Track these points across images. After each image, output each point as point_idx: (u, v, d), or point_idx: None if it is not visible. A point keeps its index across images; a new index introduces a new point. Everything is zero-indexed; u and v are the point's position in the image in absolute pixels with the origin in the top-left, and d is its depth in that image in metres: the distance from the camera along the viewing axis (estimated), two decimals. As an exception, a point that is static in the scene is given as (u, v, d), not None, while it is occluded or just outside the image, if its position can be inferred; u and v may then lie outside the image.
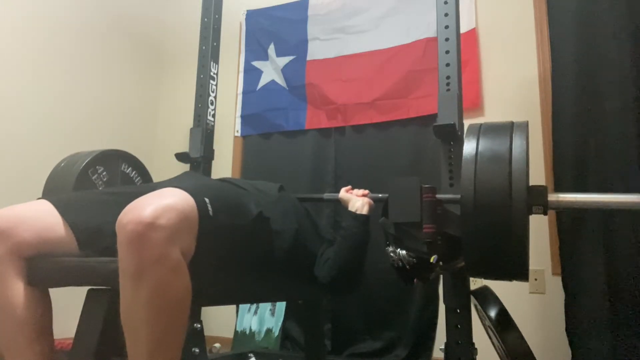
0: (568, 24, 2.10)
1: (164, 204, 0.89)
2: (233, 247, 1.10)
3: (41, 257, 1.04)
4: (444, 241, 1.29)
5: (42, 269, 1.02)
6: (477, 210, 1.06)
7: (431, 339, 2.21)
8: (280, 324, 2.48)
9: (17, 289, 1.02)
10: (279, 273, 1.35)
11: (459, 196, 1.13)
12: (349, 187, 1.66)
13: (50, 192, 1.54)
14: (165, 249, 0.86)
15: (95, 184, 1.60)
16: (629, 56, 1.94)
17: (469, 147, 1.13)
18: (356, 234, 1.43)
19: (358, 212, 1.48)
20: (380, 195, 1.55)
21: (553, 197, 1.14)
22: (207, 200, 1.00)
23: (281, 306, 2.53)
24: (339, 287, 1.43)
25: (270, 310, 2.55)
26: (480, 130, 1.17)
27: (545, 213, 1.14)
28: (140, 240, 0.84)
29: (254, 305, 2.59)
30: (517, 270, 1.10)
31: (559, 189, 2.00)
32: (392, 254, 1.35)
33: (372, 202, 1.53)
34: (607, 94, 1.97)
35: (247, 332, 2.55)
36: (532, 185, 1.10)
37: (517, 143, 1.09)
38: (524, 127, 1.14)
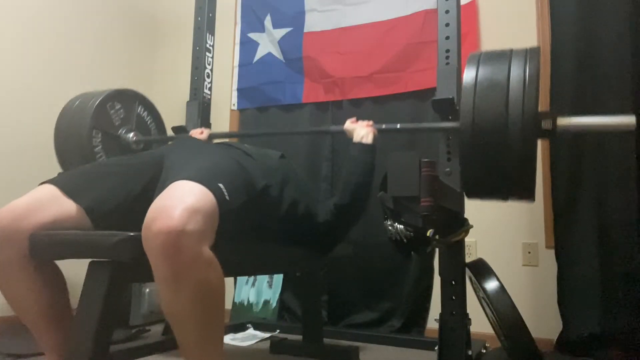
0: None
1: (189, 207, 0.90)
2: (244, 221, 1.12)
3: (43, 231, 1.04)
4: (441, 215, 1.31)
5: (44, 242, 1.02)
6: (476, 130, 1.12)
7: (426, 309, 2.25)
8: (277, 295, 2.52)
9: (33, 286, 1.04)
10: (280, 243, 1.37)
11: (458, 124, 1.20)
12: (354, 118, 1.68)
13: (65, 128, 1.59)
14: (198, 251, 0.89)
15: (113, 120, 1.59)
16: (629, 31, 1.92)
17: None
18: (363, 163, 1.48)
19: (364, 141, 1.51)
20: (384, 125, 1.60)
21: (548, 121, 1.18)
22: (221, 185, 1.01)
23: (278, 278, 2.56)
24: (347, 216, 1.47)
25: (268, 282, 2.58)
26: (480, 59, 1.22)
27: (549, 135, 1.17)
28: (174, 249, 0.85)
29: (252, 278, 2.62)
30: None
31: (555, 162, 2.02)
32: (390, 228, 1.38)
33: (376, 131, 1.56)
34: (606, 68, 1.96)
35: (245, 303, 2.59)
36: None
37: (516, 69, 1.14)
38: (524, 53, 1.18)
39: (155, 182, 1.17)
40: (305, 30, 2.71)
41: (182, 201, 0.90)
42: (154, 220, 0.87)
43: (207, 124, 2.14)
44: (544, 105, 2.13)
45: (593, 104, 1.96)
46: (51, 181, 1.12)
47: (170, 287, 0.88)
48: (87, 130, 1.55)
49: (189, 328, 0.92)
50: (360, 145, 1.51)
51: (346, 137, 1.61)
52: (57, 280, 1.10)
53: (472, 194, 1.30)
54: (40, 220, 1.03)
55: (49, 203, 1.06)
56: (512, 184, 1.15)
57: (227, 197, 1.00)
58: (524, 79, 1.11)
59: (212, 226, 0.95)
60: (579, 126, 1.22)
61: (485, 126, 1.11)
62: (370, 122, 1.62)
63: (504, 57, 1.19)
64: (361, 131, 1.55)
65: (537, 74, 1.12)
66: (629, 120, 1.15)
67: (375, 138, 1.54)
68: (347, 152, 1.58)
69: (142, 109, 1.75)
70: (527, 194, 1.17)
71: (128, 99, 1.70)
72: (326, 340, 1.91)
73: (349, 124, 1.65)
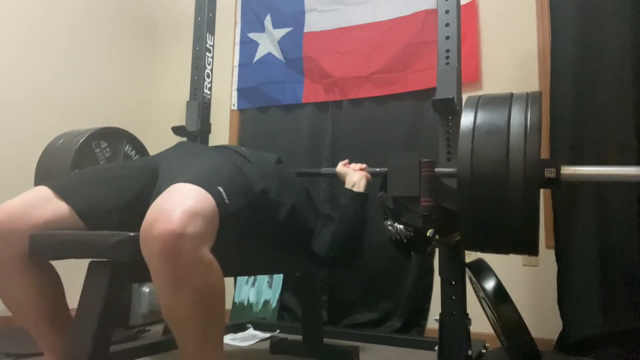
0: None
1: (188, 210, 0.89)
2: (242, 224, 1.11)
3: (42, 231, 1.04)
4: (441, 215, 1.30)
5: (44, 242, 1.02)
6: (474, 183, 1.06)
7: (425, 310, 2.25)
8: (277, 295, 2.53)
9: (32, 286, 1.04)
10: (278, 245, 1.37)
11: (455, 169, 1.14)
12: (346, 161, 1.66)
13: (47, 167, 1.52)
14: (198, 254, 0.88)
15: (98, 158, 1.57)
16: (629, 30, 1.92)
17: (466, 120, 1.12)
18: (354, 212, 1.44)
19: (355, 189, 1.48)
20: (377, 169, 1.56)
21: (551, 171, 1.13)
22: (220, 189, 1.00)
23: (278, 278, 2.56)
24: (339, 263, 1.46)
25: (268, 282, 2.58)
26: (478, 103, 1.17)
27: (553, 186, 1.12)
28: (174, 252, 0.84)
29: (252, 278, 2.63)
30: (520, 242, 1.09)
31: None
32: (390, 228, 1.37)
33: (369, 175, 1.54)
34: (606, 69, 1.95)
35: (245, 303, 2.59)
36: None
37: (517, 115, 1.07)
38: (525, 98, 1.13)
39: (149, 187, 1.15)
40: (305, 30, 2.71)
41: (181, 204, 0.89)
42: (153, 223, 0.86)
43: (207, 124, 2.14)
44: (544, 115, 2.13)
45: (594, 110, 1.96)
46: (45, 183, 1.12)
47: (170, 290, 0.87)
48: (68, 168, 1.49)
49: (189, 330, 0.92)
50: (352, 193, 1.48)
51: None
52: (54, 281, 1.10)
53: (470, 247, 1.24)
54: (35, 220, 1.02)
55: (43, 204, 1.05)
56: (513, 238, 1.06)
57: (226, 201, 1.00)
58: (526, 125, 1.03)
59: (212, 229, 0.94)
60: (583, 176, 1.14)
61: (484, 173, 1.02)
62: (364, 166, 1.58)
63: (504, 101, 1.11)
64: (353, 177, 1.51)
65: (540, 120, 1.04)
66: (635, 171, 1.09)
67: (368, 183, 1.50)
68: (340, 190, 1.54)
69: (130, 148, 1.72)
70: (529, 249, 1.09)
71: (115, 137, 1.66)
72: (326, 340, 1.91)
73: (341, 167, 1.61)
